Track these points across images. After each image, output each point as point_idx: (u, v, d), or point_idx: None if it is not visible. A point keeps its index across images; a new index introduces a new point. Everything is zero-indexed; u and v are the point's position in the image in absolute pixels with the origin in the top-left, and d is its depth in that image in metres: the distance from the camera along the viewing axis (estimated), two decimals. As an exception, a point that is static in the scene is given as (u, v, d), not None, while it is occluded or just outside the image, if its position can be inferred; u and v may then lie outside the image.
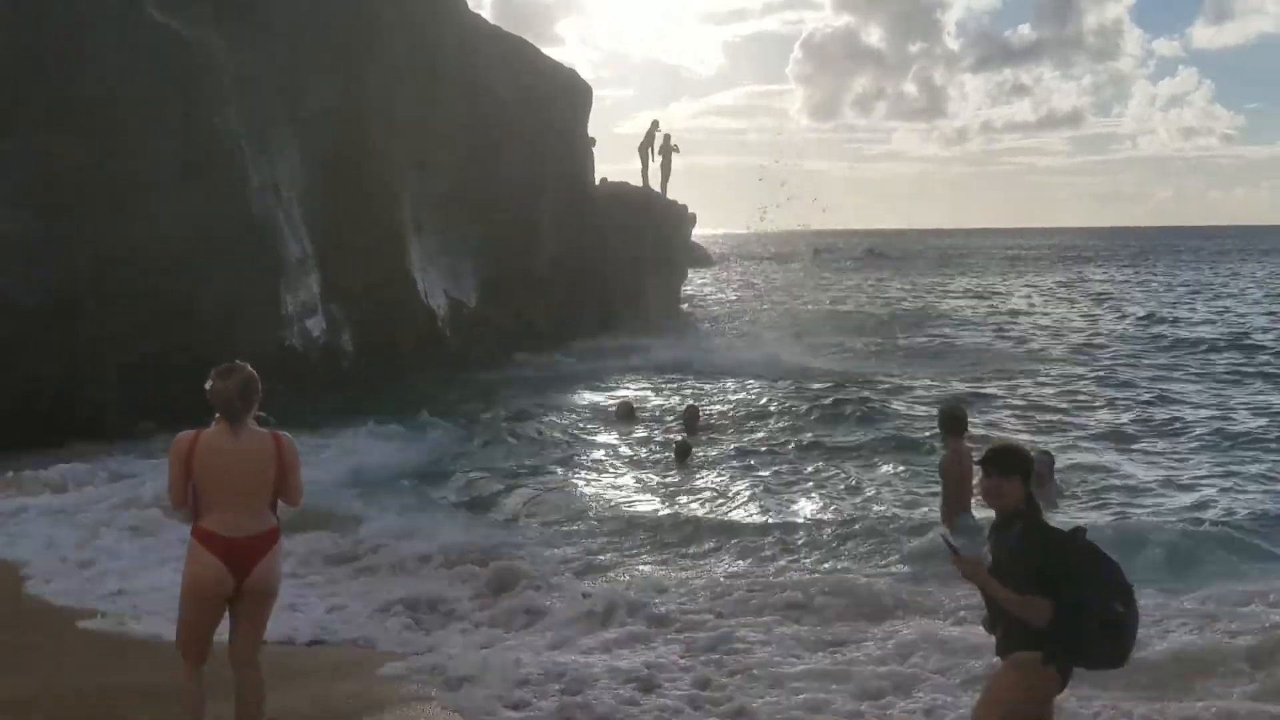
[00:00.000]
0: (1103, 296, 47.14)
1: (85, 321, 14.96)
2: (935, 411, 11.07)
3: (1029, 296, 48.06)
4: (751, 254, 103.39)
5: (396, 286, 20.29)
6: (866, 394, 19.18)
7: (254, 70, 17.70)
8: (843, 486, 13.07)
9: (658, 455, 14.98)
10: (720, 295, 47.31)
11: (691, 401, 18.27)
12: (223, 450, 5.36)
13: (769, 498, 12.56)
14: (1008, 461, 4.67)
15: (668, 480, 13.66)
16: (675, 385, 21.52)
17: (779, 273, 44.39)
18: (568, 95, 27.27)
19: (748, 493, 12.74)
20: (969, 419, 9.51)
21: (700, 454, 14.80)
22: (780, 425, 16.97)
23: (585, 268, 27.19)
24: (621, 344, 26.34)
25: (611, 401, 19.22)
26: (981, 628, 4.96)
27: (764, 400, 19.24)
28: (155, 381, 14.59)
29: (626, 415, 17.57)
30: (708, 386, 21.25)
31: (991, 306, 42.65)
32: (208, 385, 5.37)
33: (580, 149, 28.06)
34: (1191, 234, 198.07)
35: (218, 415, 5.45)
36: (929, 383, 21.34)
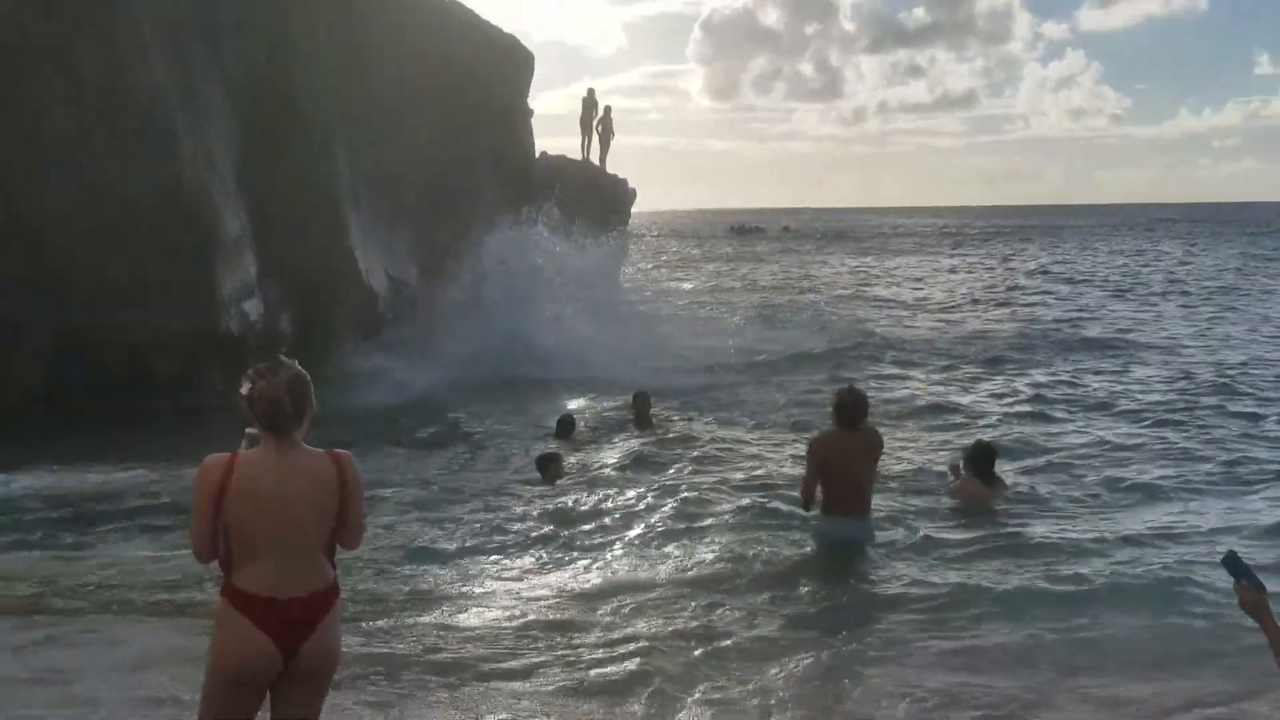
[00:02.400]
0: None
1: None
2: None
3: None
4: (669, 230, 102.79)
5: (336, 263, 18.36)
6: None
7: (174, 17, 15.60)
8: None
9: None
10: (652, 274, 45.82)
11: (641, 389, 14.91)
12: (269, 479, 3.86)
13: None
14: None
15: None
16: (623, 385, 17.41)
17: (710, 249, 43.30)
18: (507, 62, 25.46)
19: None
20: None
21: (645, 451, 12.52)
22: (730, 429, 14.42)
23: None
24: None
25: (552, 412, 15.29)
26: None
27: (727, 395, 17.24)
28: (80, 368, 12.64)
29: (566, 433, 13.60)
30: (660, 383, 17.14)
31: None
32: (244, 388, 3.87)
33: (520, 120, 26.33)
34: (1080, 212, 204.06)
35: (251, 431, 3.95)
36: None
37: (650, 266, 49.41)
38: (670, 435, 13.79)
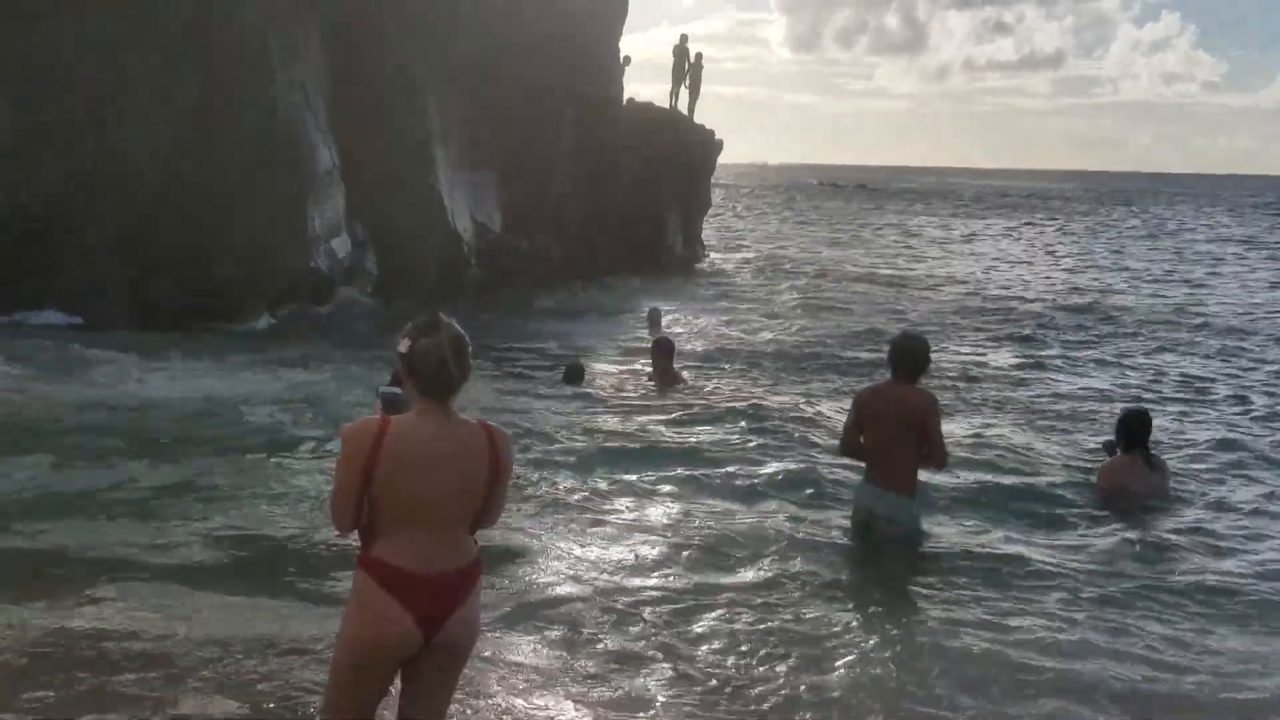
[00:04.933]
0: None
1: (81, 239, 12.88)
2: None
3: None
4: (746, 185, 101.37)
5: (423, 205, 18.17)
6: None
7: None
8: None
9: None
10: (739, 228, 44.72)
11: (663, 336, 13.53)
12: (426, 446, 3.54)
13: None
14: None
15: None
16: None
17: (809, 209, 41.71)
18: (598, 4, 24.89)
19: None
20: None
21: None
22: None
23: (607, 196, 25.02)
24: (645, 286, 23.41)
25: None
26: None
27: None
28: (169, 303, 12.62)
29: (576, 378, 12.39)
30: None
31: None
32: (404, 346, 3.53)
33: (610, 65, 25.76)
34: (1171, 181, 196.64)
35: (388, 391, 3.65)
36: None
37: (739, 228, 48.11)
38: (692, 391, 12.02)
